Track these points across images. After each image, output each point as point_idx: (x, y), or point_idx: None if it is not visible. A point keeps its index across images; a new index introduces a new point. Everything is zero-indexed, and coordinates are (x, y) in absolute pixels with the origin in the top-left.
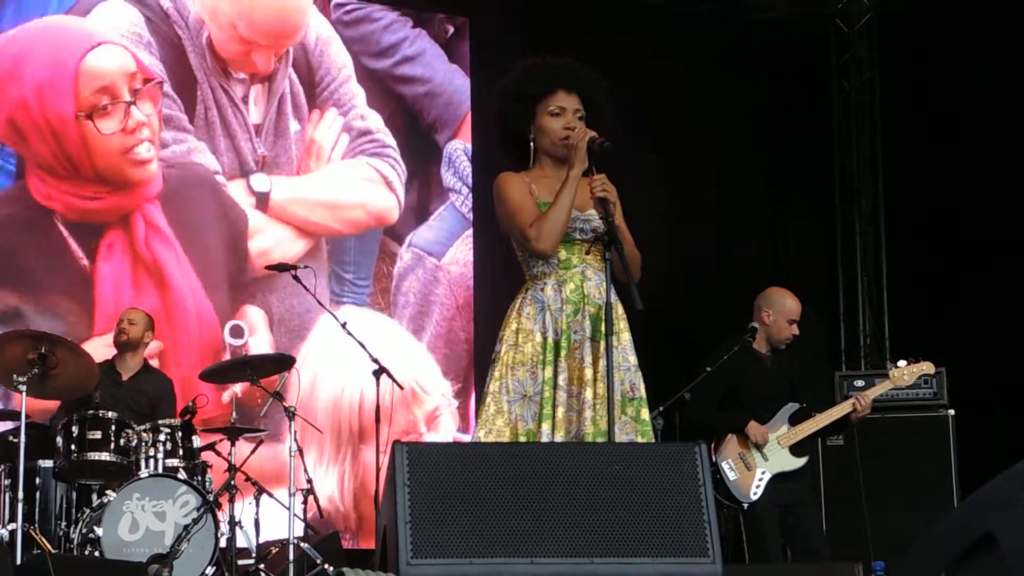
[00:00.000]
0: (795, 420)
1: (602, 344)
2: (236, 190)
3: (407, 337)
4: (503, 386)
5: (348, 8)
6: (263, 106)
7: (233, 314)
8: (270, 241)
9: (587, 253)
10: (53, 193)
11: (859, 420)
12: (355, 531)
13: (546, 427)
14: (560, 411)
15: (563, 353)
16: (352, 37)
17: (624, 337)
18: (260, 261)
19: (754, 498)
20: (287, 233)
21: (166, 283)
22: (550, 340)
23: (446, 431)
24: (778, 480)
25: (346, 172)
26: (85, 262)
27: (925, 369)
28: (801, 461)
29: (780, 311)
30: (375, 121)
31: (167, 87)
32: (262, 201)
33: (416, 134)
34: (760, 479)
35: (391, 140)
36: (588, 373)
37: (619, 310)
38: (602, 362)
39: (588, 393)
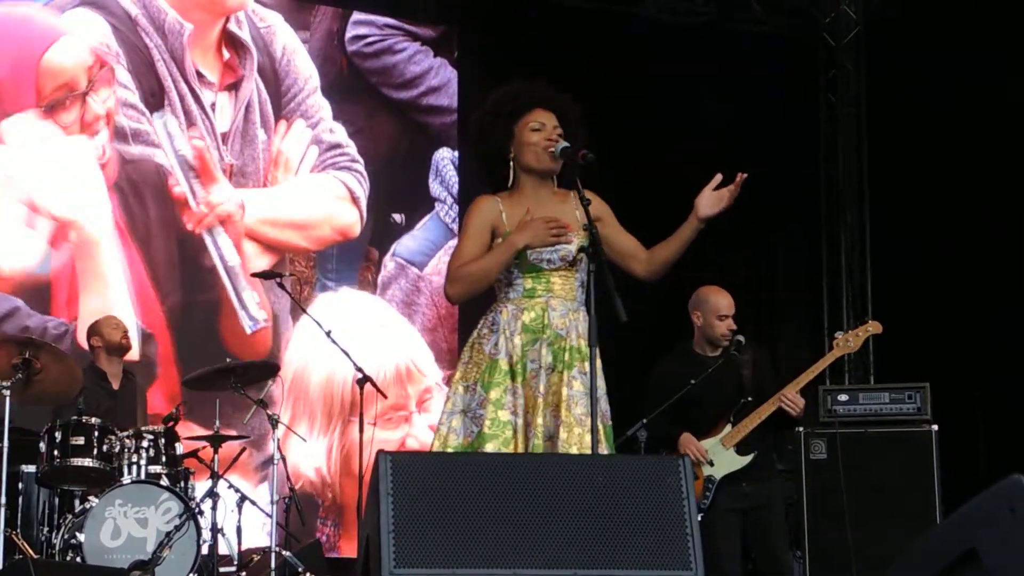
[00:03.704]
0: (740, 418)
1: (565, 374)
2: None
3: (401, 318)
4: (451, 400)
5: (368, 40)
6: (230, 114)
7: (187, 316)
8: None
9: (572, 264)
10: None
11: (798, 413)
12: (337, 503)
13: (488, 448)
14: (508, 434)
15: (519, 379)
16: (372, 68)
17: (596, 364)
18: None
19: (704, 505)
20: (253, 249)
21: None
22: (501, 362)
23: (435, 415)
24: (732, 483)
25: (315, 188)
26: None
27: (872, 329)
28: (746, 460)
29: (708, 309)
30: (342, 135)
31: (135, 98)
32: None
33: (429, 146)
34: (709, 485)
35: (357, 154)
36: (541, 402)
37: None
38: (565, 391)
39: (540, 420)
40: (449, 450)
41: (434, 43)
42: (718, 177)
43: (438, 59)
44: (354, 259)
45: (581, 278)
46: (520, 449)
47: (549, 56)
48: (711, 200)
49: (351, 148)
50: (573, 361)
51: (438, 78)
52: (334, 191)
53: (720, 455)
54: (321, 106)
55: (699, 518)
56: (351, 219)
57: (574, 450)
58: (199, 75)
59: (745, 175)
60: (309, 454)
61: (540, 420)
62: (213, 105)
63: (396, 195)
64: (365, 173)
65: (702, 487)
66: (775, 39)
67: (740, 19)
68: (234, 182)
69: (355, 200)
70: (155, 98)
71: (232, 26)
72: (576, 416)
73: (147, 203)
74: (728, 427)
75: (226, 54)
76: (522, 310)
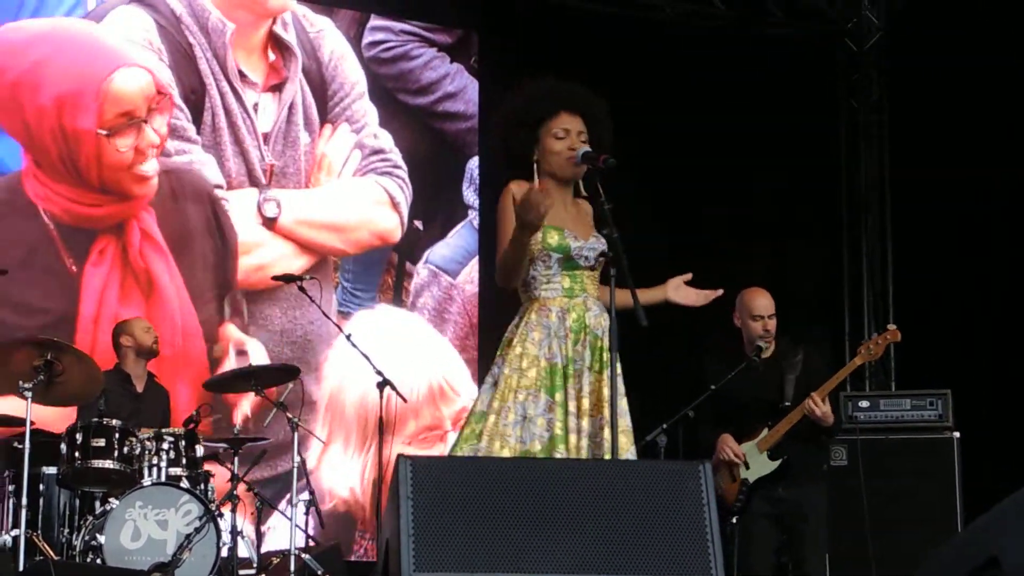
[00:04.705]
0: (776, 422)
1: (604, 374)
2: (242, 200)
3: (437, 336)
4: (504, 408)
5: (385, 46)
6: (272, 115)
7: (219, 328)
8: (269, 256)
9: (595, 267)
10: (52, 195)
11: (823, 417)
12: (368, 524)
13: (561, 450)
14: (572, 438)
15: (570, 381)
16: (388, 75)
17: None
18: (258, 275)
19: (738, 508)
20: (290, 249)
21: (155, 292)
22: (557, 366)
23: None
24: (766, 488)
25: (355, 191)
26: (73, 267)
27: (891, 337)
28: (775, 465)
29: (744, 310)
30: (387, 140)
31: (175, 96)
32: (269, 223)
33: (445, 153)
34: (743, 488)
35: (401, 161)
36: (585, 403)
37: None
38: (606, 391)
39: (585, 422)
40: (505, 453)
41: (450, 49)
42: (688, 276)
43: (455, 65)
44: (373, 264)
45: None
46: (576, 449)
47: (565, 60)
48: (687, 293)
49: (394, 154)
50: (607, 363)
51: (454, 84)
52: (374, 195)
53: (755, 459)
54: (367, 111)
55: (733, 521)
56: (391, 224)
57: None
58: (242, 75)
59: (721, 292)
60: (344, 474)
61: (586, 423)
62: (256, 105)
63: (414, 200)
64: (408, 180)
65: (737, 490)
66: (795, 44)
67: (760, 23)
68: (274, 182)
69: (395, 205)
70: (195, 95)
71: (278, 28)
72: (606, 417)
73: (188, 213)
74: (765, 431)
75: (271, 55)
76: (566, 310)
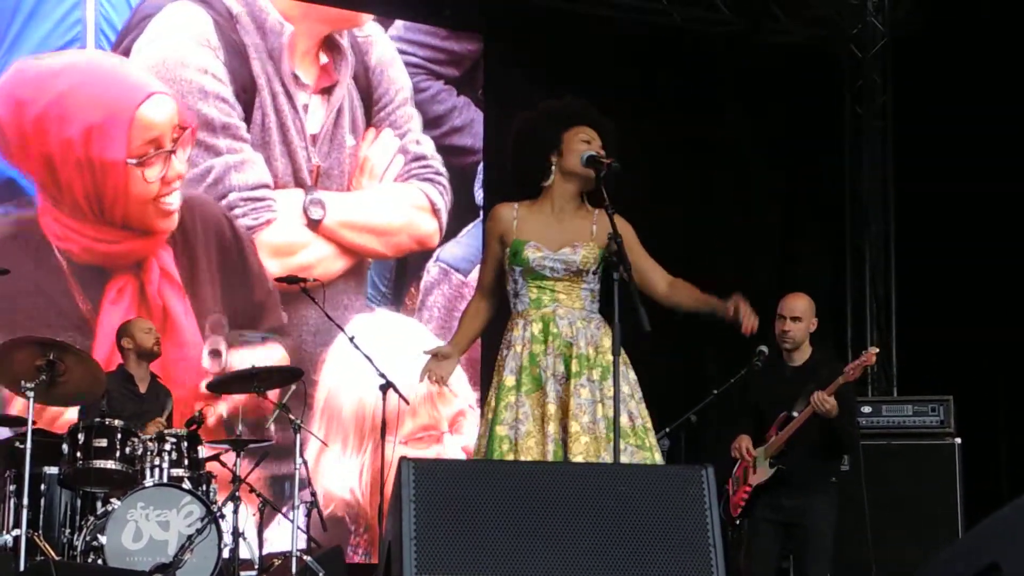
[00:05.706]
0: (783, 428)
1: (573, 382)
2: (288, 201)
3: (435, 339)
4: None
5: None
6: (321, 117)
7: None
8: (313, 256)
9: (576, 273)
10: (71, 234)
11: (828, 411)
12: (370, 522)
13: (506, 450)
14: (531, 442)
15: (523, 389)
16: None
17: (619, 371)
18: (301, 275)
19: (737, 513)
20: (331, 251)
21: (169, 329)
22: (507, 379)
23: (468, 436)
24: (769, 494)
25: (397, 196)
26: (87, 307)
27: (867, 360)
28: (771, 471)
29: (778, 311)
30: (429, 147)
31: (228, 92)
32: (313, 224)
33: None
34: (747, 492)
35: (443, 167)
36: (551, 409)
37: (605, 344)
38: (573, 400)
39: (551, 428)
40: None
41: (457, 82)
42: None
43: (461, 98)
44: (412, 271)
45: (591, 287)
46: (529, 452)
47: (570, 65)
48: (745, 309)
49: (436, 161)
50: (582, 369)
51: (461, 118)
52: (415, 200)
53: (761, 464)
54: (411, 117)
55: (737, 523)
56: (430, 229)
57: (580, 460)
58: (294, 76)
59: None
60: (343, 475)
61: (552, 428)
62: (306, 107)
63: None
64: (448, 186)
65: (741, 494)
66: (801, 50)
67: (767, 30)
68: (319, 184)
69: (436, 211)
70: (247, 94)
71: (332, 32)
72: (583, 425)
73: (210, 247)
74: (774, 437)
75: (323, 58)
76: (530, 322)
